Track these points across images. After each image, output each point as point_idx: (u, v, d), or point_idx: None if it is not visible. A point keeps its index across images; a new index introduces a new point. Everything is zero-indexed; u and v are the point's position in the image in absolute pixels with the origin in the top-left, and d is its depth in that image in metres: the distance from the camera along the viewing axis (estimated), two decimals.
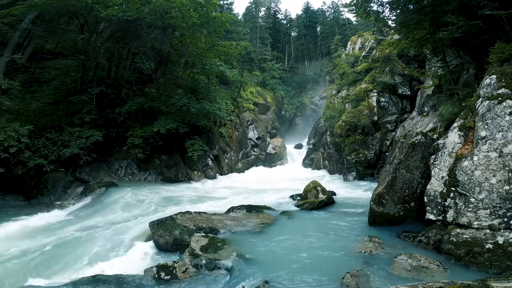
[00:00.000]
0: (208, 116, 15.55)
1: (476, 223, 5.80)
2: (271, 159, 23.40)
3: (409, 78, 18.45)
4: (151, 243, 7.42)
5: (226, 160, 18.76)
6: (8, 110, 11.31)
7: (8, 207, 10.52)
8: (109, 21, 13.85)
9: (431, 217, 6.61)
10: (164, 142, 14.67)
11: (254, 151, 22.62)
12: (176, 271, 5.67)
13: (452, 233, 5.97)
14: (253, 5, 42.51)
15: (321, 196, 10.26)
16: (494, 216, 5.64)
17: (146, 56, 15.79)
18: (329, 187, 12.11)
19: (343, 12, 42.75)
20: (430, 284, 3.63)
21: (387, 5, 11.38)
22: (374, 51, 21.84)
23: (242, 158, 21.00)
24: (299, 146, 28.21)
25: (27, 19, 13.13)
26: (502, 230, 5.49)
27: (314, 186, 10.77)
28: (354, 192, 12.91)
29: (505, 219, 5.52)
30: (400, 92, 18.32)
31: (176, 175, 14.76)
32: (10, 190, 11.47)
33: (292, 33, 49.89)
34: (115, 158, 14.23)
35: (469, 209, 5.93)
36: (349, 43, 27.12)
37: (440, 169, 6.75)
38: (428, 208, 6.72)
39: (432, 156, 7.17)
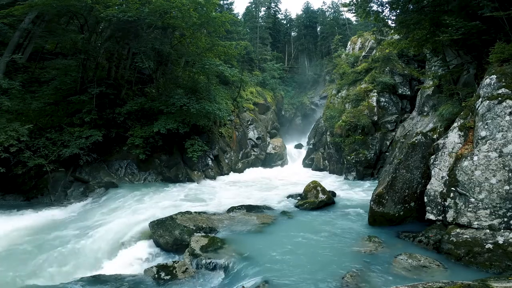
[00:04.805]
0: (208, 116, 15.53)
1: (476, 223, 5.80)
2: (271, 159, 23.40)
3: (409, 78, 18.47)
4: (151, 243, 7.43)
5: (226, 160, 18.75)
6: (8, 110, 11.30)
7: (8, 206, 10.51)
8: (109, 21, 13.83)
9: (431, 217, 6.61)
10: (164, 142, 14.66)
11: (254, 151, 22.61)
12: (176, 271, 5.68)
13: (452, 233, 5.97)
14: (253, 5, 42.52)
15: (321, 196, 10.27)
16: (494, 216, 5.64)
17: (146, 56, 15.77)
18: (329, 187, 12.12)
19: (343, 12, 42.82)
20: (430, 284, 3.63)
21: (387, 5, 11.37)
22: (374, 51, 21.86)
23: (242, 158, 20.99)
24: (299, 146, 28.23)
25: (27, 19, 13.12)
26: (502, 230, 5.49)
27: (314, 186, 10.77)
28: (354, 192, 12.90)
29: (505, 219, 5.53)
30: (400, 92, 18.32)
31: (176, 175, 14.76)
32: (10, 190, 11.47)
33: (292, 33, 49.89)
34: (115, 158, 14.21)
35: (469, 209, 5.94)
36: (349, 43, 27.12)
37: (440, 169, 6.76)
38: (428, 208, 6.72)
39: (432, 156, 7.18)
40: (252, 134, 23.16)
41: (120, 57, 16.55)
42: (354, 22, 41.55)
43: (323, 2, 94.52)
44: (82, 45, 13.69)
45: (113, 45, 15.68)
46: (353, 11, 12.30)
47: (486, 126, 6.17)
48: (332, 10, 45.46)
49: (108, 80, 14.96)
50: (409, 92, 18.23)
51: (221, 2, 32.76)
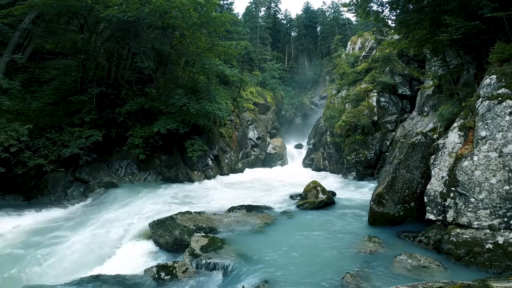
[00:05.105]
0: (208, 116, 15.52)
1: (476, 223, 5.80)
2: (271, 159, 23.39)
3: (409, 78, 18.46)
4: (151, 243, 7.43)
5: (226, 160, 18.75)
6: (8, 110, 11.30)
7: (8, 206, 10.50)
8: (109, 21, 13.83)
9: (431, 217, 6.61)
10: (164, 142, 14.66)
11: (254, 151, 22.60)
12: (176, 271, 5.68)
13: (452, 233, 5.97)
14: (253, 5, 42.52)
15: (321, 196, 10.27)
16: (494, 216, 5.64)
17: (146, 56, 15.76)
18: (329, 187, 12.10)
19: (343, 12, 42.82)
20: (430, 284, 3.63)
21: (387, 5, 11.36)
22: (374, 51, 21.84)
23: (242, 158, 20.98)
24: (299, 146, 28.22)
25: (27, 19, 13.12)
26: (502, 230, 5.49)
27: (314, 186, 10.77)
28: (354, 192, 12.91)
29: (505, 219, 5.53)
30: (400, 92, 18.31)
31: (176, 175, 14.76)
32: (10, 190, 11.46)
33: (292, 33, 49.89)
34: (115, 158, 14.21)
35: (469, 209, 5.93)
36: (349, 43, 27.10)
37: (440, 169, 6.75)
38: (428, 208, 6.72)
39: (432, 156, 7.18)
40: (252, 134, 23.15)
41: (120, 57, 16.54)
42: (354, 22, 41.55)
43: (323, 2, 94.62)
44: (82, 45, 13.69)
45: (113, 45, 15.68)
46: (353, 11, 12.30)
47: (486, 126, 6.17)
48: (332, 10, 45.51)
49: (108, 80, 14.96)
50: (409, 92, 18.21)
51: (221, 2, 32.75)
